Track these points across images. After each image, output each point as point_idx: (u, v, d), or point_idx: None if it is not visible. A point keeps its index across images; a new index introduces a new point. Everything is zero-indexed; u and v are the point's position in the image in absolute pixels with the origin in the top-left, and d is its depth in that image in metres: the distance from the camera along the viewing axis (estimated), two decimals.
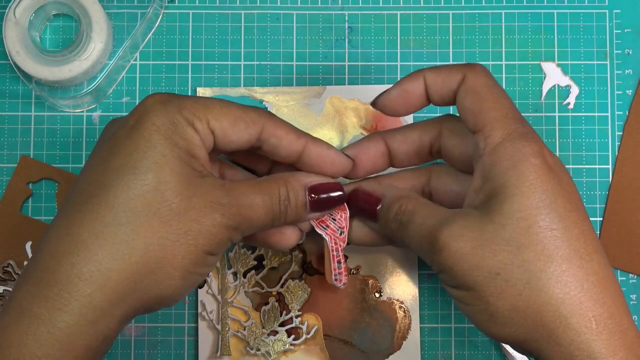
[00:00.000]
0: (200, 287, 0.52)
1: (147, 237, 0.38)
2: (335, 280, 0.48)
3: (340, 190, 0.45)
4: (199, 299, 0.52)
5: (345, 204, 0.47)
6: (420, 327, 0.52)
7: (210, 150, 0.42)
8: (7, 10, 0.52)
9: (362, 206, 0.46)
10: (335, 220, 0.47)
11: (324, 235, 0.47)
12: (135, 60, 0.54)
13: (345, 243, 0.48)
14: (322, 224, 0.47)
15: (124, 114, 0.54)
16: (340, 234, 0.47)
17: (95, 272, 0.37)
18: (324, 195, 0.44)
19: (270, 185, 0.42)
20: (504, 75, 0.54)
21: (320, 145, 0.45)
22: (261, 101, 0.54)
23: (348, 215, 0.47)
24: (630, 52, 0.55)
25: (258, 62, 0.55)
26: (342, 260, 0.48)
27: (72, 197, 0.40)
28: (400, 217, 0.43)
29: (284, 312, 0.52)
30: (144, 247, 0.38)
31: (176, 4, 0.55)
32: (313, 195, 0.44)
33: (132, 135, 0.39)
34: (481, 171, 0.40)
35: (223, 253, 0.47)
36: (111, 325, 0.38)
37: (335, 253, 0.48)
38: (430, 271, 0.53)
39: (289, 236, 0.46)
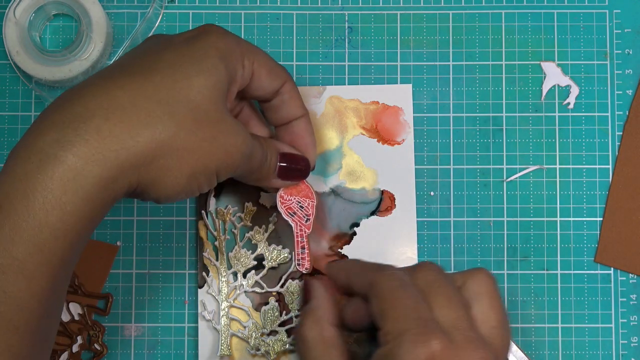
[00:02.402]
0: (201, 287, 0.52)
1: (179, 125, 0.39)
2: (298, 265, 0.51)
3: (306, 165, 0.49)
4: (199, 299, 0.52)
5: (313, 193, 0.51)
6: None
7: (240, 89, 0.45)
8: (7, 10, 0.52)
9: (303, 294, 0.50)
10: (302, 207, 0.50)
11: (290, 222, 0.51)
12: None
13: (310, 230, 0.51)
14: (290, 211, 0.50)
15: None
16: (306, 221, 0.51)
17: (126, 134, 0.38)
18: (293, 166, 0.48)
19: (259, 141, 0.45)
20: (504, 75, 0.54)
21: (310, 124, 0.50)
22: None
23: (315, 203, 0.51)
24: (630, 52, 0.55)
25: None
26: (307, 246, 0.51)
27: (116, 69, 0.41)
28: (302, 337, 0.46)
29: (284, 312, 0.52)
30: (174, 131, 0.39)
31: (176, 4, 0.55)
32: (283, 164, 0.48)
33: (191, 43, 0.42)
34: None
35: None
36: (119, 189, 0.39)
37: (299, 239, 0.51)
38: None
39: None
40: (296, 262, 0.51)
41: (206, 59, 0.41)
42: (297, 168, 0.48)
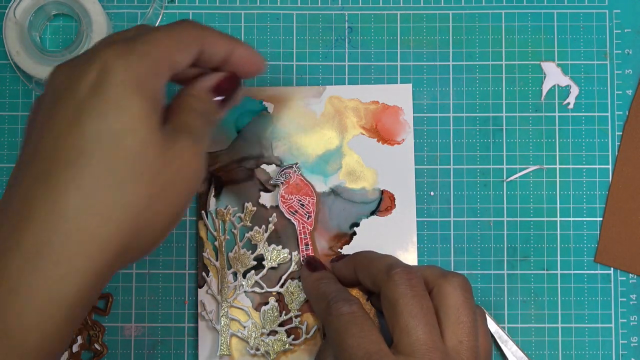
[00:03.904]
0: (200, 287, 0.52)
1: (135, 201, 0.37)
2: (303, 261, 0.52)
3: (236, 80, 0.44)
4: (199, 299, 0.52)
5: (312, 191, 0.52)
6: None
7: None
8: (7, 10, 0.52)
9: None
10: (303, 205, 0.51)
11: (292, 220, 0.51)
12: None
13: (312, 227, 0.52)
14: (291, 209, 0.51)
15: None
16: (308, 219, 0.52)
17: (89, 244, 0.36)
18: (229, 90, 0.43)
19: (200, 122, 0.41)
20: (504, 75, 0.54)
21: (245, 48, 0.44)
22: (261, 101, 0.54)
23: (315, 200, 0.52)
24: (630, 52, 0.55)
25: None
26: (310, 243, 0.52)
27: (45, 162, 0.36)
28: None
29: (284, 312, 0.52)
30: (135, 212, 0.37)
31: (176, 4, 0.55)
32: (219, 96, 0.43)
33: (99, 94, 0.36)
34: None
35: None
36: (101, 287, 0.37)
37: (303, 236, 0.52)
38: None
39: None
40: (301, 258, 0.52)
41: (125, 109, 0.36)
42: (232, 88, 0.43)
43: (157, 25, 0.54)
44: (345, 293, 0.47)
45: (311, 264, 0.51)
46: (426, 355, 0.42)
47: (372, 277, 0.47)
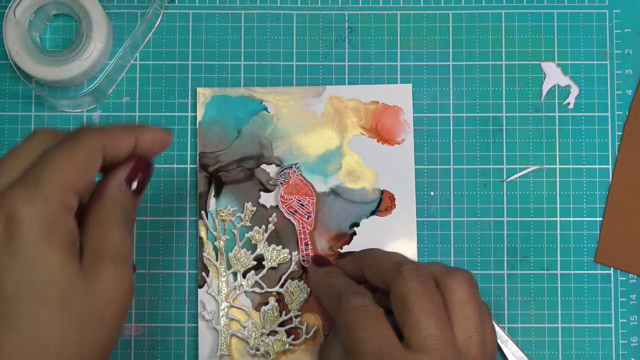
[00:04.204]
0: (200, 287, 0.52)
1: (67, 351, 0.35)
2: (303, 260, 0.52)
3: (148, 163, 0.42)
4: (199, 299, 0.52)
5: (312, 190, 0.52)
6: None
7: None
8: (7, 10, 0.52)
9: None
10: (303, 205, 0.52)
11: (292, 220, 0.52)
12: (135, 60, 0.54)
13: (312, 226, 0.52)
14: (291, 209, 0.52)
15: (124, 114, 0.54)
16: (308, 219, 0.52)
17: None
18: (142, 177, 0.42)
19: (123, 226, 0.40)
20: (504, 75, 0.54)
21: (148, 132, 0.42)
22: (261, 101, 0.54)
23: (315, 200, 0.52)
24: (630, 52, 0.55)
25: (258, 62, 0.55)
26: (310, 243, 0.52)
27: None
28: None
29: (284, 312, 0.52)
30: (75, 344, 0.36)
31: (176, 4, 0.55)
32: (133, 185, 0.41)
33: (13, 253, 0.35)
34: None
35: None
36: None
37: (302, 236, 0.52)
38: None
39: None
40: (301, 258, 0.52)
41: (40, 264, 0.35)
42: (145, 176, 0.42)
43: (156, 24, 0.54)
44: (356, 286, 0.47)
45: (318, 260, 0.51)
46: (439, 350, 0.42)
47: (380, 274, 0.46)
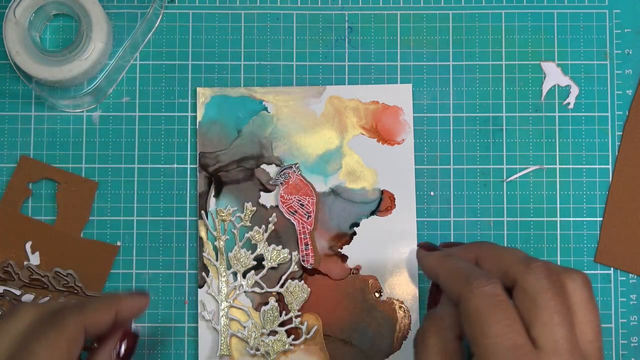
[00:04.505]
0: (200, 287, 0.52)
1: None
2: (303, 261, 0.52)
3: (130, 335, 0.47)
4: (199, 299, 0.52)
5: (312, 191, 0.52)
6: None
7: None
8: (7, 10, 0.52)
9: (431, 292, 0.49)
10: (303, 205, 0.52)
11: (292, 220, 0.52)
12: (135, 60, 0.54)
13: (312, 226, 0.52)
14: (291, 210, 0.52)
15: (124, 114, 0.54)
16: (308, 219, 0.52)
17: None
18: (128, 348, 0.46)
19: None
20: (504, 75, 0.54)
21: (126, 301, 0.46)
22: (261, 101, 0.54)
23: (315, 200, 0.52)
24: (630, 52, 0.55)
25: (258, 62, 0.55)
26: (310, 243, 0.52)
27: None
28: (422, 338, 0.45)
29: (284, 312, 0.52)
30: None
31: (176, 4, 0.55)
32: (122, 353, 0.46)
33: None
34: None
35: None
36: None
37: (302, 236, 0.52)
38: None
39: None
40: (301, 258, 0.52)
41: None
42: (131, 347, 0.47)
43: (156, 24, 0.54)
44: (484, 271, 0.44)
45: (426, 246, 0.49)
46: (568, 354, 0.40)
47: (504, 268, 0.44)
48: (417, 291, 0.53)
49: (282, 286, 0.52)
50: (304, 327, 0.52)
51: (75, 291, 0.52)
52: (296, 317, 0.52)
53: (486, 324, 0.40)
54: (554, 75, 0.54)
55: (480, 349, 0.40)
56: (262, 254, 0.53)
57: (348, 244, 0.53)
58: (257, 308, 0.52)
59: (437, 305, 0.47)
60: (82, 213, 0.53)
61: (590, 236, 0.53)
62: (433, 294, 0.47)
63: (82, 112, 0.54)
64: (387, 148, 0.54)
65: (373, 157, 0.53)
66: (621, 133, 0.54)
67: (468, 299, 0.42)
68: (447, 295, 0.45)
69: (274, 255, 0.52)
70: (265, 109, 0.54)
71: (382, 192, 0.53)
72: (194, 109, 0.54)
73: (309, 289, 0.52)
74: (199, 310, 0.52)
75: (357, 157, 0.54)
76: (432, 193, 0.54)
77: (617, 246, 0.53)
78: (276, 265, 0.53)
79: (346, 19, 0.55)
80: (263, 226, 0.53)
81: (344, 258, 0.53)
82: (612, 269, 0.53)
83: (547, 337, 0.40)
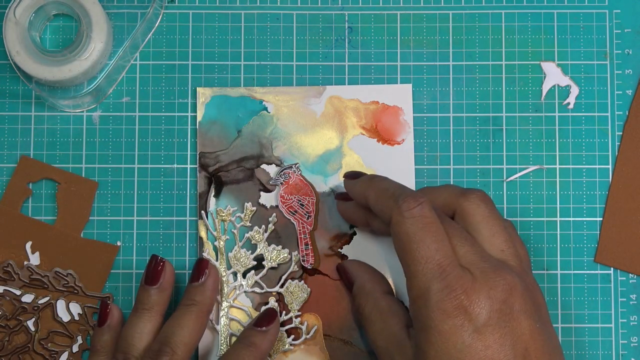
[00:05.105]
0: None
1: None
2: (303, 261, 0.52)
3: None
4: None
5: (312, 190, 0.52)
6: None
7: None
8: (7, 10, 0.52)
9: (343, 280, 0.52)
10: (303, 205, 0.52)
11: (292, 220, 0.52)
12: (135, 60, 0.54)
13: (312, 226, 0.52)
14: (291, 210, 0.52)
15: (124, 114, 0.54)
16: (308, 218, 0.52)
17: None
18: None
19: None
20: (504, 75, 0.54)
21: None
22: (261, 101, 0.54)
23: (315, 200, 0.52)
24: (630, 52, 0.55)
25: (258, 62, 0.55)
26: (310, 243, 0.52)
27: None
28: (359, 314, 0.49)
29: (284, 312, 0.52)
30: None
31: (176, 4, 0.55)
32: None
33: None
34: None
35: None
36: None
37: (302, 236, 0.52)
38: None
39: None
40: (301, 258, 0.52)
41: None
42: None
43: (156, 24, 0.54)
44: (411, 190, 0.45)
45: (351, 174, 0.50)
46: (477, 265, 0.42)
47: (385, 205, 0.45)
48: None
49: (282, 286, 0.52)
50: (304, 327, 0.52)
51: (75, 291, 0.52)
52: (296, 317, 0.52)
53: (415, 249, 0.42)
54: (554, 75, 0.54)
55: (412, 275, 0.42)
56: (262, 254, 0.53)
57: (348, 244, 0.53)
58: (257, 308, 0.52)
59: (352, 282, 0.50)
60: (82, 213, 0.53)
61: (590, 236, 0.53)
62: (344, 275, 0.51)
63: (82, 112, 0.54)
64: (387, 148, 0.54)
65: (373, 157, 0.53)
66: (621, 133, 0.54)
67: (397, 223, 0.43)
68: (376, 213, 0.46)
69: (274, 255, 0.52)
70: (265, 109, 0.54)
71: None
72: (194, 109, 0.54)
73: (309, 289, 0.52)
74: None
75: (357, 157, 0.54)
76: None
77: (617, 246, 0.53)
78: (276, 265, 0.53)
79: (346, 19, 0.55)
80: (263, 226, 0.53)
81: (344, 258, 0.53)
82: (612, 269, 0.53)
83: (463, 253, 0.43)
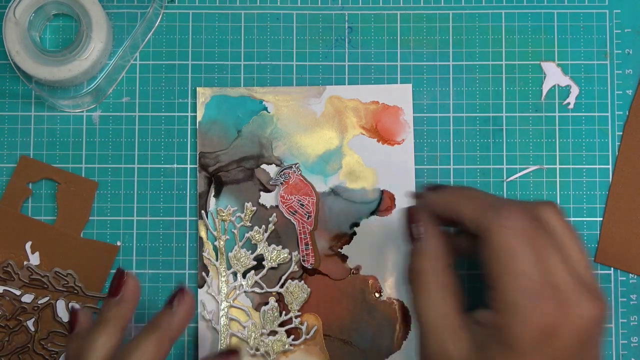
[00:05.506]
0: (200, 287, 0.52)
1: None
2: (303, 261, 0.52)
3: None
4: (199, 299, 0.52)
5: (312, 190, 0.52)
6: None
7: None
8: (7, 10, 0.52)
9: (408, 227, 0.46)
10: (303, 205, 0.52)
11: (292, 220, 0.52)
12: (135, 60, 0.54)
13: (312, 226, 0.52)
14: (291, 210, 0.52)
15: (124, 114, 0.54)
16: (308, 218, 0.52)
17: None
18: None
19: None
20: (504, 75, 0.54)
21: None
22: (261, 101, 0.54)
23: (315, 200, 0.52)
24: (630, 52, 0.55)
25: (258, 62, 0.55)
26: (310, 243, 0.52)
27: None
28: (416, 276, 0.44)
29: (284, 312, 0.52)
30: None
31: (176, 4, 0.55)
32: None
33: None
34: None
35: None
36: None
37: (302, 236, 0.52)
38: None
39: None
40: (301, 258, 0.52)
41: None
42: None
43: (156, 24, 0.54)
44: (507, 199, 0.42)
45: (433, 187, 0.46)
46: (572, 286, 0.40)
47: (478, 213, 0.42)
48: None
49: (282, 286, 0.52)
50: (303, 327, 0.52)
51: (75, 291, 0.52)
52: (296, 317, 0.52)
53: (514, 262, 0.40)
54: (554, 75, 0.54)
55: (503, 286, 0.40)
56: (262, 254, 0.53)
57: (348, 244, 0.53)
58: (257, 308, 0.52)
59: (417, 240, 0.45)
60: (82, 213, 0.53)
61: (590, 236, 0.53)
62: (410, 220, 0.45)
63: (82, 112, 0.54)
64: (387, 148, 0.54)
65: (373, 157, 0.53)
66: (621, 133, 0.54)
67: (498, 233, 0.41)
68: (465, 224, 0.43)
69: (274, 255, 0.52)
70: (265, 108, 0.54)
71: (382, 192, 0.53)
72: (194, 109, 0.54)
73: (309, 289, 0.52)
74: (199, 310, 0.52)
75: (357, 157, 0.54)
76: None
77: (617, 246, 0.53)
78: (276, 265, 0.53)
79: (346, 19, 0.55)
80: (263, 226, 0.53)
81: (344, 258, 0.53)
82: (612, 269, 0.53)
83: (556, 272, 0.40)
